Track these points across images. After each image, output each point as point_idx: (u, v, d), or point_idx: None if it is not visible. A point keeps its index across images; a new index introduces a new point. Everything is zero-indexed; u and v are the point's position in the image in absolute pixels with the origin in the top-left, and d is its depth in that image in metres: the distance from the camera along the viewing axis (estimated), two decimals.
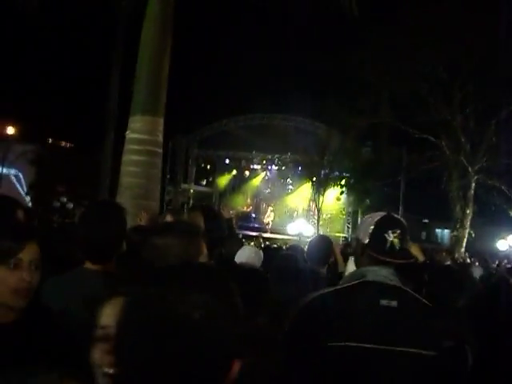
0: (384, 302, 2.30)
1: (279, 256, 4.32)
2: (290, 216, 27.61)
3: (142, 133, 7.70)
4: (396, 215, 2.58)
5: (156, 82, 7.79)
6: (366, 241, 2.43)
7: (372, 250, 2.41)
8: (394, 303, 2.31)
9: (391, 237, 2.39)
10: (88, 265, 2.60)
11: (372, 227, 2.44)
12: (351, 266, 4.86)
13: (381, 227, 2.43)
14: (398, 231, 2.39)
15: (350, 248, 5.89)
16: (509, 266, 12.05)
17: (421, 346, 2.26)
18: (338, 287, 2.45)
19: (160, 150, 7.92)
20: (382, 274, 2.39)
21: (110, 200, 4.39)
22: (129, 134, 7.81)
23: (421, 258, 4.68)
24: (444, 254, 9.45)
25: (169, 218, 5.15)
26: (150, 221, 5.38)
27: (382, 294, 2.33)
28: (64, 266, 2.67)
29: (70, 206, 20.20)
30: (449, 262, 8.50)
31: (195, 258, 2.17)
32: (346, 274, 4.82)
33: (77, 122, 26.83)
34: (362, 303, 2.33)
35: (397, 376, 2.27)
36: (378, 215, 2.51)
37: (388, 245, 2.38)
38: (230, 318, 1.15)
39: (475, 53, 20.77)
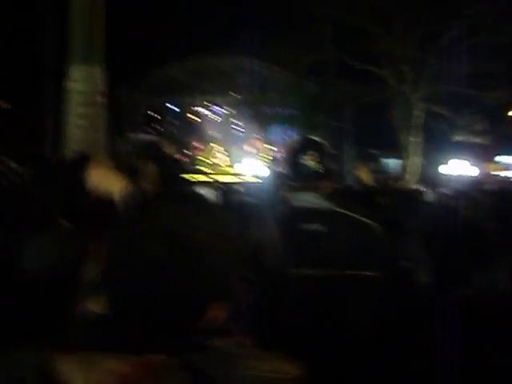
0: (305, 226, 2.28)
1: None
2: (244, 158, 27.58)
3: (82, 82, 7.43)
4: (310, 137, 2.51)
5: (92, 28, 7.48)
6: (285, 170, 2.39)
7: (288, 178, 2.36)
8: (316, 226, 2.27)
9: (304, 160, 2.33)
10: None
11: (286, 155, 2.37)
12: None
13: (292, 153, 2.40)
14: (311, 152, 2.31)
15: None
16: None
17: (352, 267, 2.24)
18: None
19: (103, 100, 7.70)
20: (304, 198, 2.34)
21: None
22: (70, 84, 7.53)
23: (367, 180, 4.69)
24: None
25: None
26: None
27: (303, 218, 2.29)
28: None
29: (14, 165, 19.63)
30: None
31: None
32: None
33: (11, 80, 25.79)
34: (286, 230, 2.29)
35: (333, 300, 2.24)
36: (294, 142, 2.44)
37: (301, 169, 2.35)
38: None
39: None
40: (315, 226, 2.22)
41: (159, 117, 29.06)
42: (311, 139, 2.43)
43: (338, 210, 2.30)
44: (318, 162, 2.27)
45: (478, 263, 3.04)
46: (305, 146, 2.36)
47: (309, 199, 2.31)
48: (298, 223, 2.23)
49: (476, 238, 3.22)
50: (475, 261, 3.07)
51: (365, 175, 4.68)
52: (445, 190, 12.85)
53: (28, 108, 24.62)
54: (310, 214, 2.27)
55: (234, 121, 28.14)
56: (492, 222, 3.53)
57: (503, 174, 23.46)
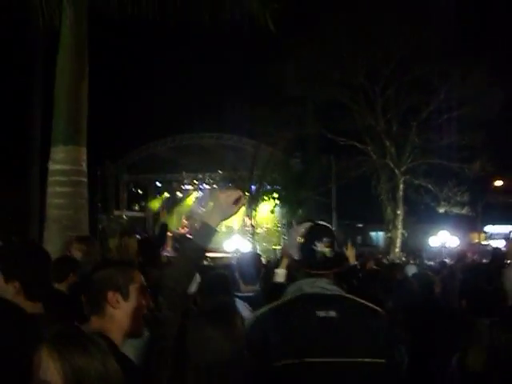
0: (322, 314, 2.28)
1: (208, 277, 4.28)
2: (227, 233, 27.54)
3: (64, 163, 7.51)
4: (321, 222, 2.52)
5: (75, 111, 7.64)
6: (297, 256, 2.40)
7: (304, 266, 2.39)
8: (333, 313, 2.29)
9: (320, 247, 2.35)
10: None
11: (300, 241, 2.40)
12: (280, 278, 4.89)
13: (308, 240, 2.39)
14: (326, 239, 2.36)
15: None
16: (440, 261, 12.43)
17: (365, 355, 2.25)
18: (276, 304, 2.40)
19: (85, 179, 7.74)
20: (318, 285, 2.37)
21: (32, 242, 4.27)
22: (51, 165, 7.62)
23: (352, 260, 4.74)
24: (368, 258, 9.63)
25: (76, 246, 5.03)
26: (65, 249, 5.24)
27: (319, 305, 2.31)
28: None
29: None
30: (374, 266, 8.68)
31: (125, 285, 2.25)
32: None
33: None
34: (300, 317, 2.30)
35: None
36: (302, 227, 2.46)
37: (318, 256, 2.35)
38: None
39: (392, 58, 21.46)
40: (329, 313, 2.26)
41: (145, 194, 29.16)
42: (325, 226, 2.46)
43: (348, 296, 2.38)
44: (329, 247, 2.32)
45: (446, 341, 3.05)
46: (320, 232, 2.38)
47: (323, 285, 2.34)
48: (312, 310, 2.28)
49: (446, 317, 3.24)
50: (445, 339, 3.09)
51: (351, 255, 4.72)
52: (427, 263, 12.94)
53: (16, 188, 24.71)
54: (323, 300, 2.31)
55: None
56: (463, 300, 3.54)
57: (487, 243, 23.63)
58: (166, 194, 29.13)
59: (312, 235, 2.40)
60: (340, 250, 2.49)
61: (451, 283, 4.53)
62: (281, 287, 4.78)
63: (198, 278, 4.62)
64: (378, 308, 2.41)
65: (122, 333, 2.21)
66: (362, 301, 2.40)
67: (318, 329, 2.27)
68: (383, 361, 2.26)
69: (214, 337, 2.23)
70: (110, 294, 2.21)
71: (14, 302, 2.45)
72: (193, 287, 4.38)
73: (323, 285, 2.37)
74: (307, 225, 2.48)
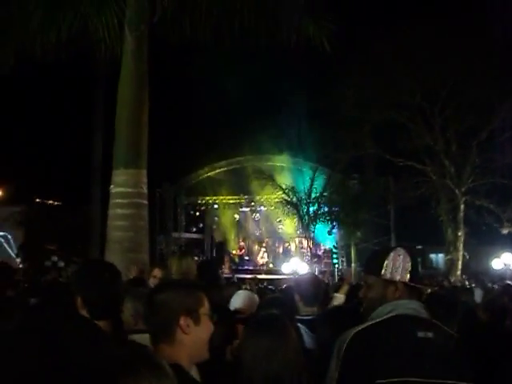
0: (421, 334, 2.29)
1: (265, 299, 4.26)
2: (284, 255, 27.53)
3: (125, 186, 7.71)
4: (407, 245, 2.62)
5: (135, 135, 7.85)
6: (408, 277, 2.46)
7: (416, 282, 2.47)
8: (430, 334, 2.30)
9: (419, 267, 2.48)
10: None
11: (409, 263, 2.46)
12: (337, 303, 4.85)
13: (414, 260, 2.47)
14: (419, 259, 2.48)
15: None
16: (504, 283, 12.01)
17: (460, 378, 2.25)
18: (372, 323, 2.40)
19: (145, 202, 7.92)
20: (411, 306, 2.40)
21: (103, 261, 4.41)
22: (113, 188, 7.83)
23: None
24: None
25: (156, 272, 5.14)
26: (139, 274, 5.34)
27: (417, 326, 2.32)
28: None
29: (62, 264, 20.05)
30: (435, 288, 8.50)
31: (196, 309, 2.18)
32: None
33: (63, 180, 26.83)
34: (400, 337, 2.31)
35: None
36: (399, 251, 2.52)
37: (420, 274, 2.51)
38: None
39: (450, 78, 21.17)
40: (427, 334, 2.27)
41: (202, 216, 29.45)
42: (420, 249, 2.63)
43: (433, 320, 2.40)
44: (425, 271, 2.45)
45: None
46: (420, 254, 2.52)
47: (416, 307, 2.39)
48: (411, 330, 2.30)
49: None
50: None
51: None
52: (491, 285, 12.55)
53: (77, 209, 25.43)
54: (420, 321, 2.34)
55: (276, 219, 28.31)
56: None
57: None
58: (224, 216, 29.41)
59: (415, 256, 2.50)
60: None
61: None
62: (341, 311, 4.76)
63: (256, 299, 4.63)
64: (455, 333, 2.43)
65: (191, 359, 2.13)
66: (443, 325, 2.42)
67: (418, 348, 2.27)
68: None
69: (265, 345, 2.24)
70: (182, 319, 2.10)
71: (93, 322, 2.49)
72: (238, 302, 4.40)
73: (416, 307, 2.40)
74: (401, 248, 2.54)
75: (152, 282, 4.98)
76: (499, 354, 3.17)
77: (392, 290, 2.48)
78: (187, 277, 4.82)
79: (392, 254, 2.52)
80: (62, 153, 26.81)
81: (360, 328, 2.36)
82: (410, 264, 2.46)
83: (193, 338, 2.10)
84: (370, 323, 2.39)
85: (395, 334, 2.32)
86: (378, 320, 2.39)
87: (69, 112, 24.56)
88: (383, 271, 2.52)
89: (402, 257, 2.49)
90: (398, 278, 2.47)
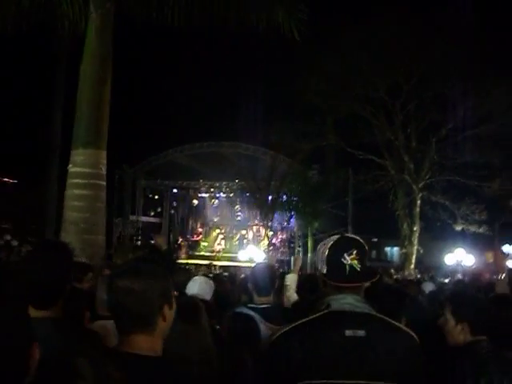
0: (349, 333, 2.19)
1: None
2: (241, 243, 27.57)
3: (84, 166, 7.56)
4: (350, 235, 2.44)
5: (96, 115, 7.70)
6: (325, 270, 2.32)
7: (331, 278, 2.30)
8: (361, 332, 2.20)
9: (348, 260, 2.26)
10: (31, 311, 2.46)
11: (326, 253, 2.31)
12: (291, 293, 4.85)
13: (335, 252, 2.30)
14: (355, 251, 2.28)
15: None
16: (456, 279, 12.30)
17: (392, 378, 2.17)
18: (303, 321, 2.29)
19: (103, 183, 7.78)
20: (346, 301, 2.28)
21: (57, 241, 4.28)
22: (71, 168, 7.67)
23: None
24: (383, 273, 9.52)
25: (107, 272, 5.08)
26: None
27: (348, 323, 2.22)
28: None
29: (15, 243, 19.66)
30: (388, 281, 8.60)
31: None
32: (286, 301, 4.80)
33: (19, 158, 26.25)
34: (327, 336, 2.21)
35: None
36: (331, 240, 2.37)
37: (347, 269, 2.26)
38: None
39: (413, 75, 21.42)
40: (357, 332, 2.17)
41: (161, 200, 29.25)
42: (354, 238, 2.37)
43: (377, 314, 2.28)
44: (358, 259, 2.24)
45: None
46: (348, 244, 2.30)
47: (352, 302, 2.26)
48: (340, 328, 2.19)
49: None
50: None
51: None
52: (442, 280, 12.83)
53: (34, 188, 24.93)
54: (352, 318, 2.22)
55: (235, 206, 28.31)
56: None
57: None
58: (182, 201, 29.28)
59: (340, 247, 2.31)
60: (369, 264, 2.40)
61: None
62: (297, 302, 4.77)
63: (212, 285, 4.61)
64: (407, 329, 2.32)
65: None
66: (392, 321, 2.30)
67: (345, 349, 2.18)
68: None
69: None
70: (166, 308, 1.97)
71: None
72: (194, 288, 4.37)
73: (352, 301, 2.28)
74: (335, 237, 2.38)
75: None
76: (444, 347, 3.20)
77: (321, 279, 2.39)
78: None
79: (323, 243, 2.41)
80: (21, 130, 26.20)
81: (287, 328, 2.28)
82: (327, 254, 2.31)
83: (168, 324, 2.01)
84: (298, 322, 2.29)
85: (321, 334, 2.23)
86: (307, 319, 2.30)
87: (29, 88, 23.98)
88: (316, 262, 2.45)
89: (323, 247, 2.36)
90: (321, 269, 2.35)
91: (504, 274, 5.20)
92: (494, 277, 5.72)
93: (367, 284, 2.36)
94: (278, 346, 2.25)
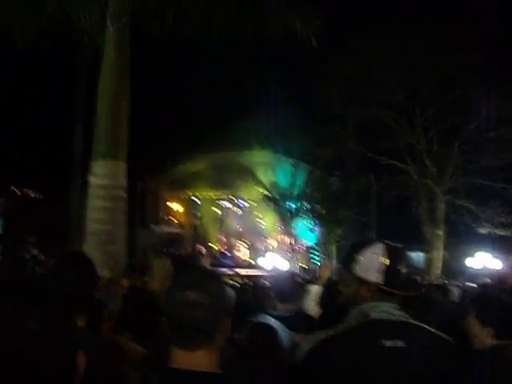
0: (389, 343, 2.15)
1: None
2: (265, 251, 27.51)
3: (104, 178, 7.63)
4: (389, 242, 2.37)
5: (115, 127, 7.77)
6: (380, 279, 2.26)
7: (388, 286, 2.26)
8: (400, 343, 2.15)
9: (403, 269, 2.26)
10: None
11: (384, 264, 2.26)
12: (311, 306, 4.75)
13: (393, 261, 2.27)
14: (404, 261, 2.28)
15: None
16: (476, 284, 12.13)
17: None
18: (340, 331, 2.25)
19: (124, 194, 7.84)
20: (384, 309, 2.25)
21: (79, 253, 4.34)
22: (91, 180, 7.74)
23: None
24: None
25: (124, 282, 5.12)
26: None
27: (386, 333, 2.18)
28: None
29: (42, 257, 19.83)
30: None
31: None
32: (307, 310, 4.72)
33: (42, 172, 26.55)
34: (365, 347, 2.17)
35: None
36: (377, 247, 2.32)
37: (403, 278, 2.25)
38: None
39: (433, 77, 21.27)
40: (396, 343, 2.12)
41: (182, 210, 29.32)
42: (396, 246, 2.34)
43: (414, 322, 2.25)
44: (407, 269, 2.25)
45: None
46: (400, 254, 2.28)
47: (389, 310, 2.22)
48: (379, 339, 2.14)
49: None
50: None
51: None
52: (468, 284, 12.64)
53: (56, 201, 25.16)
54: (390, 327, 2.18)
55: (257, 215, 28.28)
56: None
57: None
58: (205, 211, 29.31)
59: (395, 256, 2.28)
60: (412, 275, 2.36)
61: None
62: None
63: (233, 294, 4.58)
64: (446, 337, 2.27)
65: None
66: (431, 328, 2.26)
67: (384, 360, 2.13)
68: None
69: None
70: (227, 322, 1.91)
71: None
72: None
73: (389, 309, 2.24)
74: (380, 245, 2.33)
75: (117, 291, 4.97)
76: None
77: (365, 289, 2.31)
78: (165, 279, 4.80)
79: (368, 250, 2.33)
80: (43, 144, 26.50)
81: (323, 337, 2.22)
82: (384, 265, 2.26)
83: (225, 338, 1.95)
84: (335, 332, 2.23)
85: (361, 344, 2.18)
86: (344, 328, 2.25)
87: (50, 102, 24.25)
88: (356, 267, 2.34)
89: (376, 255, 2.29)
90: (370, 277, 2.28)
91: None
92: None
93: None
94: (316, 355, 2.19)
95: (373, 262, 2.30)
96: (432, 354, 2.18)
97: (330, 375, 2.14)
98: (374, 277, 2.28)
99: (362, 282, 2.31)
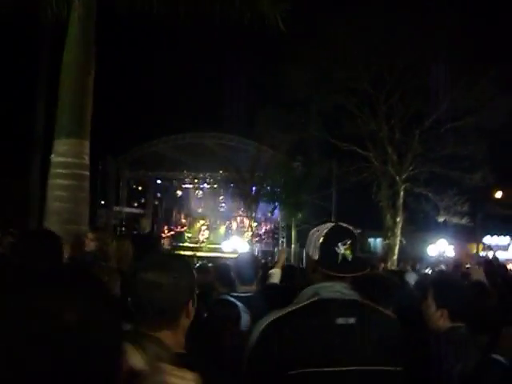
0: (340, 321, 2.20)
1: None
2: (225, 234, 27.56)
3: (67, 156, 7.53)
4: (345, 224, 2.43)
5: (79, 105, 7.65)
6: (316, 256, 2.31)
7: (323, 266, 2.29)
8: (352, 320, 2.22)
9: (342, 249, 2.26)
10: None
11: (321, 241, 2.31)
12: (274, 279, 4.91)
13: (330, 240, 2.30)
14: (349, 242, 2.28)
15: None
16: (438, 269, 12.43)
17: (384, 363, 2.20)
18: (291, 309, 2.29)
19: (87, 173, 7.76)
20: (335, 289, 2.28)
21: (43, 229, 4.28)
22: (54, 158, 7.63)
23: None
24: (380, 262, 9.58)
25: (90, 236, 5.09)
26: (73, 247, 5.25)
27: (338, 311, 2.23)
28: None
29: None
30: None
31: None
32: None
33: (1, 148, 25.97)
34: (318, 324, 2.22)
35: None
36: (325, 227, 2.36)
37: (340, 258, 2.26)
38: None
39: (397, 65, 21.46)
40: (348, 320, 2.19)
41: (144, 191, 29.16)
42: (347, 228, 2.36)
43: (365, 301, 2.31)
44: (351, 250, 2.24)
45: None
46: (342, 234, 2.27)
47: (340, 290, 2.26)
48: (331, 316, 2.20)
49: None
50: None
51: None
52: (425, 271, 12.95)
53: (16, 178, 24.69)
54: (342, 306, 2.23)
55: (219, 197, 28.29)
56: None
57: (484, 254, 23.64)
58: (166, 192, 29.19)
59: (334, 236, 2.31)
60: (360, 254, 2.40)
61: None
62: (276, 288, 4.81)
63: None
64: (393, 315, 2.37)
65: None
66: (379, 307, 2.34)
67: (338, 336, 2.19)
68: (400, 369, 2.22)
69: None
70: (190, 304, 1.94)
71: None
72: None
73: (341, 289, 2.29)
74: (329, 225, 2.38)
75: (89, 246, 4.94)
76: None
77: (310, 267, 2.39)
78: (125, 259, 4.80)
79: (316, 228, 2.40)
80: (3, 120, 25.91)
81: (275, 317, 2.26)
82: (320, 242, 2.30)
83: (189, 320, 1.97)
84: (286, 310, 2.28)
85: (312, 322, 2.23)
86: (296, 307, 2.29)
87: (11, 77, 23.70)
88: (307, 247, 2.42)
89: (317, 233, 2.35)
90: (310, 252, 2.35)
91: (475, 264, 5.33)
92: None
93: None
94: (268, 334, 2.23)
95: (313, 239, 2.36)
96: (381, 330, 2.26)
97: (283, 353, 2.18)
98: (311, 252, 2.34)
99: (309, 259, 2.37)
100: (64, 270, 1.13)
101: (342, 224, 2.42)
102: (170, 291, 1.87)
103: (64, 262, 2.93)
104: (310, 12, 19.01)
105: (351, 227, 2.40)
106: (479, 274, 4.84)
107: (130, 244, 5.02)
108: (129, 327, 2.72)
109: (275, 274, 5.00)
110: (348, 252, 2.27)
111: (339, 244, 2.28)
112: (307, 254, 2.43)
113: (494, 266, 8.78)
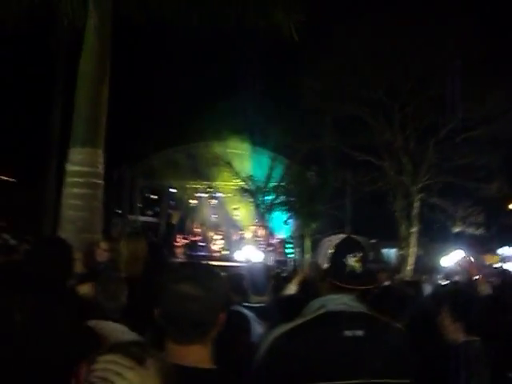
0: (348, 333, 2.19)
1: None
2: (239, 243, 27.52)
3: (81, 165, 7.57)
4: (356, 237, 2.45)
5: (94, 114, 7.71)
6: (325, 266, 2.32)
7: (331, 276, 2.30)
8: (359, 332, 2.21)
9: (351, 261, 2.26)
10: None
11: (331, 251, 2.32)
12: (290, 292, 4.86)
13: (340, 251, 2.30)
14: (359, 254, 2.28)
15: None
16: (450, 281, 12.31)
17: (392, 375, 2.19)
18: (299, 322, 2.28)
19: (101, 182, 7.79)
20: (342, 301, 2.28)
21: (56, 237, 4.28)
22: (68, 167, 7.68)
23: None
24: (384, 274, 9.46)
25: (103, 246, 5.07)
26: (85, 255, 5.25)
27: (345, 324, 2.22)
28: None
29: (13, 242, 19.58)
30: (388, 282, 8.58)
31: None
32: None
33: (19, 157, 26.18)
34: (325, 337, 2.21)
35: None
36: (337, 238, 2.38)
37: (348, 270, 2.26)
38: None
39: (412, 75, 21.41)
40: (356, 333, 2.18)
41: (159, 200, 29.24)
42: (358, 240, 2.36)
43: (372, 314, 2.30)
44: (361, 263, 2.25)
45: None
46: (352, 246, 2.28)
47: (347, 302, 2.26)
48: (339, 329, 2.19)
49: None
50: None
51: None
52: (440, 282, 12.83)
53: (32, 186, 24.87)
54: (349, 318, 2.23)
55: (233, 206, 28.29)
56: None
57: (499, 265, 23.40)
58: (181, 201, 29.23)
59: (344, 247, 2.31)
60: (371, 267, 2.39)
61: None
62: (290, 300, 4.77)
63: None
64: (400, 327, 2.35)
65: None
66: (386, 319, 2.33)
67: (345, 349, 2.18)
68: (408, 381, 2.21)
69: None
70: (222, 316, 1.90)
71: None
72: None
73: (348, 301, 2.28)
74: (341, 236, 2.39)
75: (103, 256, 4.90)
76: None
77: (319, 277, 2.38)
78: (138, 259, 4.71)
79: (327, 239, 2.41)
80: (20, 128, 26.15)
81: (283, 330, 2.25)
82: (330, 252, 2.32)
83: (218, 331, 1.92)
84: (294, 324, 2.27)
85: (319, 335, 2.22)
86: (303, 320, 2.28)
87: (28, 87, 23.93)
88: (317, 256, 2.43)
89: (328, 243, 2.37)
90: (320, 262, 2.35)
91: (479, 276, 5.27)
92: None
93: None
94: (276, 348, 2.22)
95: (324, 249, 2.37)
96: (388, 342, 2.25)
97: (291, 366, 2.17)
98: (321, 260, 2.36)
99: (318, 268, 2.37)
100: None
101: (353, 236, 2.43)
102: (205, 304, 1.83)
103: (74, 270, 2.93)
104: (325, 23, 19.04)
105: (363, 240, 2.39)
106: (486, 287, 4.78)
107: (144, 242, 4.87)
108: (93, 323, 2.69)
109: (290, 289, 4.97)
110: (357, 265, 2.27)
111: (348, 256, 2.28)
112: (315, 263, 2.43)
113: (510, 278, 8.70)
